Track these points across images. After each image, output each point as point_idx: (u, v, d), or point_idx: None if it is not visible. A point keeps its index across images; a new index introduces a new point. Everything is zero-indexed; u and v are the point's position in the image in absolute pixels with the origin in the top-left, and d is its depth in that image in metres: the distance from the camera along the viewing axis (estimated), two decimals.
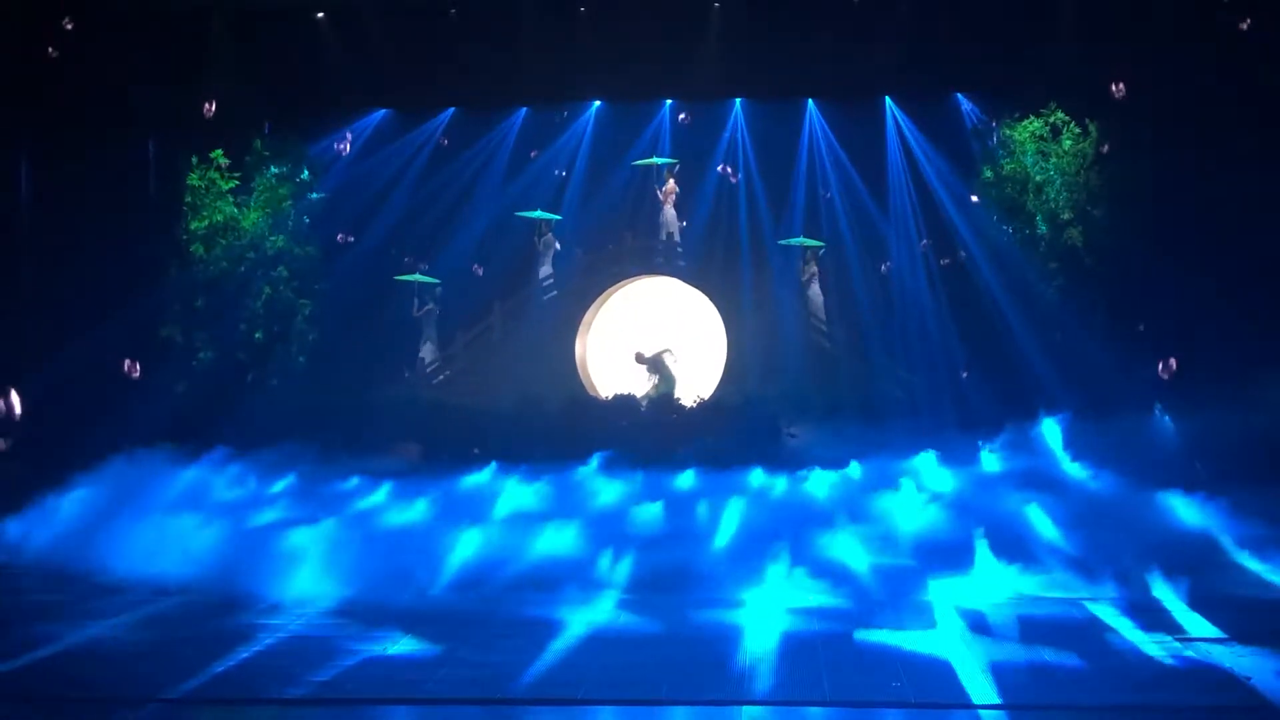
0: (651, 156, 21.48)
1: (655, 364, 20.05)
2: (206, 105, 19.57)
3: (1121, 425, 16.50)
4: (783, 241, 21.11)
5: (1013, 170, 19.15)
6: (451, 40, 20.03)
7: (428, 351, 21.24)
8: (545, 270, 21.81)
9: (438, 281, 21.19)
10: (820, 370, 20.07)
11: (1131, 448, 15.87)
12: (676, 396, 19.41)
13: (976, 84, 20.19)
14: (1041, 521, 12.93)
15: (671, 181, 21.66)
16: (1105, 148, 18.61)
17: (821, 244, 20.97)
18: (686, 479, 15.55)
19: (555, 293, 21.66)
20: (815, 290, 20.99)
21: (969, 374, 19.04)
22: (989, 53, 19.03)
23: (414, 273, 21.19)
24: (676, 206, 21.62)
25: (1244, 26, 17.86)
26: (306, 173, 20.26)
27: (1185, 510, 13.36)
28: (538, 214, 21.47)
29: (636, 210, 21.94)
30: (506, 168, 22.01)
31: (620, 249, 21.96)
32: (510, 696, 7.87)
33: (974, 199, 19.71)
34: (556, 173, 22.04)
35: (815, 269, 21.02)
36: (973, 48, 19.07)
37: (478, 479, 15.90)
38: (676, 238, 21.61)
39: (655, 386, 19.76)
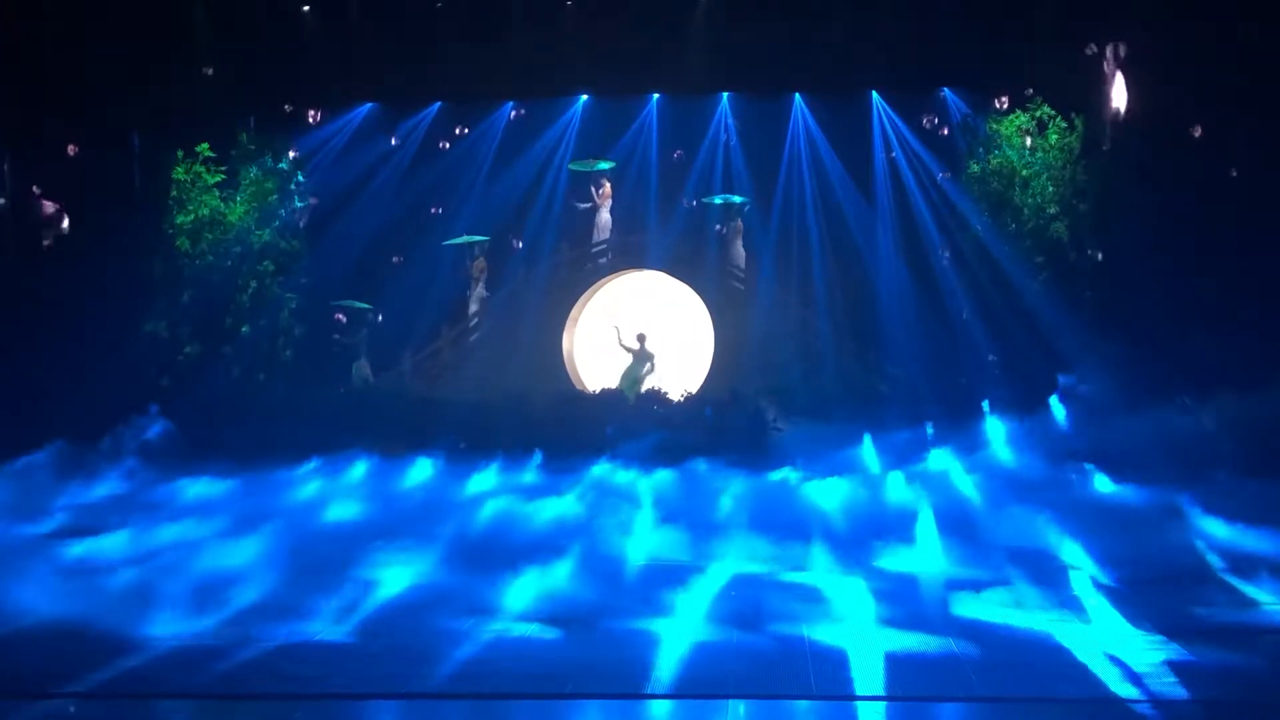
0: (589, 159, 21.43)
1: (642, 351, 20.18)
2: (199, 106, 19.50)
3: (1107, 418, 16.56)
4: (705, 199, 21.20)
5: (999, 164, 19.21)
6: (437, 34, 20.01)
7: (360, 375, 20.83)
8: (477, 301, 21.53)
9: (369, 307, 20.97)
10: (807, 364, 20.10)
11: (1116, 440, 15.92)
12: (657, 387, 19.40)
13: (963, 78, 20.24)
14: (1029, 515, 12.96)
15: (607, 185, 21.69)
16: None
17: (745, 200, 21.07)
18: (672, 472, 15.53)
19: (480, 332, 21.40)
20: (738, 247, 21.33)
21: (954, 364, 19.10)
22: (975, 47, 19.08)
23: (350, 297, 20.97)
24: (612, 211, 21.71)
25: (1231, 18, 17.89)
26: (301, 176, 20.20)
27: (1177, 500, 13.39)
28: (464, 239, 21.28)
29: (625, 203, 21.93)
30: (493, 160, 22.00)
31: (607, 243, 21.94)
32: (495, 691, 7.88)
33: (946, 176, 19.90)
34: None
35: (740, 225, 21.24)
36: (959, 42, 19.12)
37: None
38: (610, 240, 21.64)
39: (635, 370, 19.89)
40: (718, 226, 21.30)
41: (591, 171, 21.46)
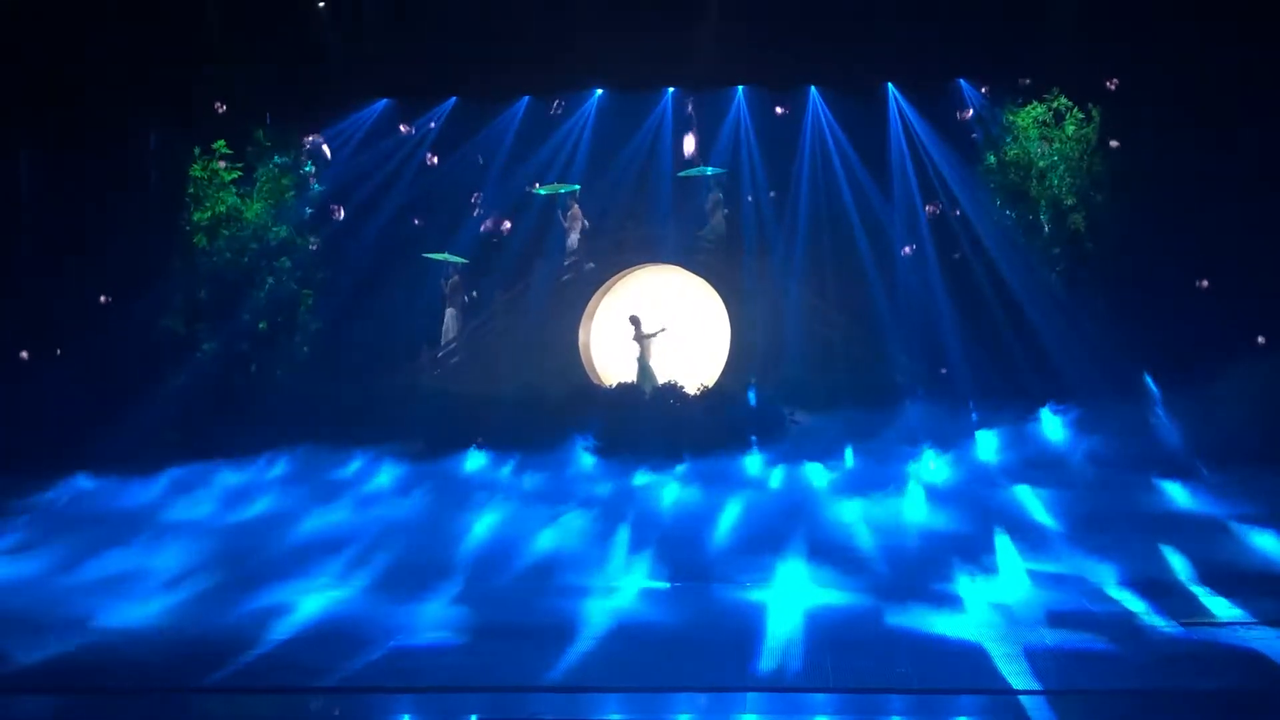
0: (556, 183, 21.40)
1: (643, 341, 20.14)
2: (216, 104, 19.51)
3: (1123, 411, 16.50)
4: (683, 173, 21.16)
5: (1016, 156, 19.14)
6: (452, 29, 20.00)
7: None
8: (450, 321, 21.40)
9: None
10: (823, 357, 20.08)
11: (1133, 433, 15.87)
12: (673, 381, 19.38)
13: (979, 70, 20.16)
14: (1041, 509, 12.95)
15: (576, 208, 21.67)
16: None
17: (723, 170, 21.05)
18: (689, 467, 15.54)
19: (458, 358, 21.26)
20: (719, 219, 21.38)
21: (972, 361, 19.03)
22: (992, 38, 19.01)
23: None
24: (582, 232, 21.67)
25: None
26: (310, 164, 20.23)
27: (1186, 496, 13.36)
28: (444, 256, 21.21)
29: (639, 198, 21.93)
30: (509, 156, 22.01)
31: (623, 237, 21.95)
32: (521, 684, 7.90)
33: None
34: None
35: (720, 196, 21.30)
36: (975, 33, 19.05)
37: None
38: (579, 258, 21.64)
39: (642, 358, 19.88)
40: (709, 204, 21.30)
41: (559, 194, 21.47)
